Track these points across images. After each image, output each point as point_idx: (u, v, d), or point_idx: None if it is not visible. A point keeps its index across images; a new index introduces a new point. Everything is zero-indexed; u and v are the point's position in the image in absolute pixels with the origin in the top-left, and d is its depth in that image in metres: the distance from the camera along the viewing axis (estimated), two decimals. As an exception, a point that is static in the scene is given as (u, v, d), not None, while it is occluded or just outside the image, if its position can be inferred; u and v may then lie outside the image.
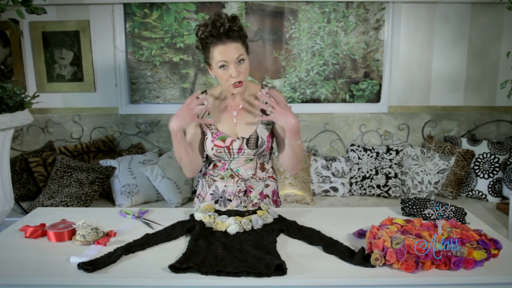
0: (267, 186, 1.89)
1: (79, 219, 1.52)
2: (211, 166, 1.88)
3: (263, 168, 1.86)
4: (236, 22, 1.64)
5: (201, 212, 1.59)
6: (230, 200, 1.83)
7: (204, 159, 1.91)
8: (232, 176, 1.83)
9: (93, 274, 1.25)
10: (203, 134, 1.82)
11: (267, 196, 1.89)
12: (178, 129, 1.61)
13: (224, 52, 1.62)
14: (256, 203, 1.82)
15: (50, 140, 3.58)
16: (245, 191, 1.83)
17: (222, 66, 1.65)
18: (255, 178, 1.84)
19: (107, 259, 1.30)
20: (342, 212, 1.85)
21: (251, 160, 1.81)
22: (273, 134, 1.87)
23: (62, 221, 1.59)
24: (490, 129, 3.63)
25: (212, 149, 1.77)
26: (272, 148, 1.88)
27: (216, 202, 1.86)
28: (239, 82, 1.66)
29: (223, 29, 1.61)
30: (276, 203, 1.94)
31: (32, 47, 3.48)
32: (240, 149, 1.77)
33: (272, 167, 1.93)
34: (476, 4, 3.43)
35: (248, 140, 1.77)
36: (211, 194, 1.87)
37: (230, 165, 1.81)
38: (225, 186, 1.84)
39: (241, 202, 1.83)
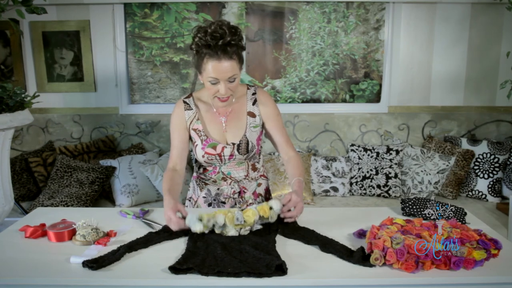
0: (259, 185, 1.88)
1: (79, 219, 1.53)
2: (201, 170, 1.85)
3: (254, 168, 1.85)
4: (236, 36, 1.56)
5: (199, 221, 1.49)
6: (224, 203, 1.82)
7: (194, 161, 1.90)
8: (224, 179, 1.81)
9: (93, 274, 1.25)
10: (191, 140, 1.79)
11: (260, 194, 1.88)
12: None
13: (218, 70, 1.55)
14: (251, 203, 1.82)
15: (50, 140, 3.58)
16: (239, 192, 1.82)
17: (212, 81, 1.60)
18: (247, 179, 1.83)
19: (111, 256, 1.31)
20: (342, 212, 1.85)
21: (241, 163, 1.80)
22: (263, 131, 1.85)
23: (62, 221, 1.59)
24: (490, 129, 3.63)
25: (203, 156, 1.74)
26: (261, 147, 1.87)
27: (210, 205, 1.84)
28: (226, 97, 1.63)
29: (222, 42, 1.52)
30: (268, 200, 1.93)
31: (32, 47, 3.48)
32: (231, 155, 1.75)
33: (263, 165, 1.92)
34: (476, 4, 3.43)
35: (238, 145, 1.74)
36: (204, 197, 1.85)
37: (221, 169, 1.79)
38: (218, 189, 1.82)
39: (235, 204, 1.82)
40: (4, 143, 2.48)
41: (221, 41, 1.52)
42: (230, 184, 1.81)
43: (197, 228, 1.45)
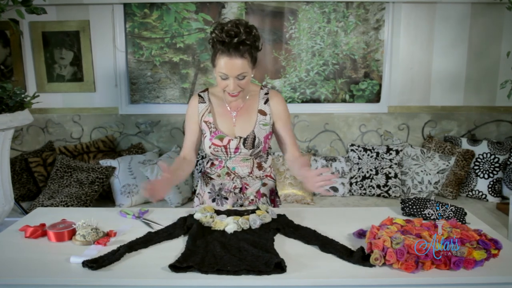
0: (264, 185, 1.89)
1: (79, 219, 1.53)
2: (208, 165, 1.90)
3: (260, 167, 1.87)
4: (251, 36, 1.62)
5: (201, 212, 1.60)
6: (227, 198, 1.86)
7: (202, 158, 1.93)
8: (228, 174, 1.85)
9: (93, 274, 1.25)
10: (201, 132, 1.85)
11: (265, 195, 1.89)
12: (165, 195, 1.61)
13: (227, 66, 1.62)
14: (253, 200, 1.85)
15: (50, 140, 3.58)
16: (241, 188, 1.85)
17: (223, 76, 1.66)
18: (251, 176, 1.86)
19: (111, 256, 1.31)
20: (342, 212, 1.86)
21: (247, 159, 1.83)
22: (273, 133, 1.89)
23: (62, 221, 1.59)
24: (490, 129, 3.63)
25: (210, 147, 1.80)
26: (270, 147, 1.89)
27: (214, 200, 1.88)
28: (236, 92, 1.68)
29: (237, 39, 1.59)
30: (274, 202, 1.95)
31: (32, 47, 3.48)
32: (237, 148, 1.78)
33: (270, 166, 1.94)
34: (476, 4, 3.43)
35: (245, 140, 1.78)
36: (209, 192, 1.90)
37: (226, 163, 1.83)
38: (221, 183, 1.86)
39: (237, 200, 1.85)
40: (4, 143, 2.48)
41: (235, 39, 1.59)
42: (232, 180, 1.84)
43: (197, 216, 1.57)
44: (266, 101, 1.83)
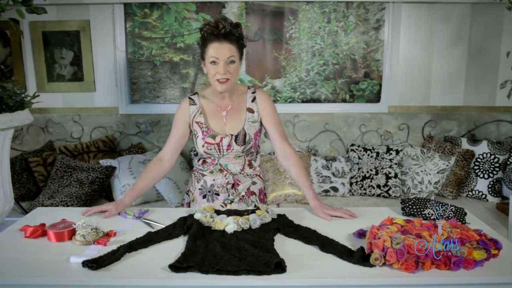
0: (254, 183, 1.95)
1: (79, 219, 1.53)
2: (200, 162, 1.95)
3: (250, 165, 1.93)
4: (237, 29, 1.77)
5: (201, 212, 1.60)
6: (218, 194, 1.90)
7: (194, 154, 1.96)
8: (221, 171, 1.90)
9: (93, 274, 1.25)
10: (191, 132, 1.92)
11: (254, 193, 1.94)
12: (116, 212, 1.75)
13: (218, 50, 1.74)
14: (243, 196, 1.89)
15: (50, 140, 3.58)
16: (233, 184, 1.90)
17: (213, 61, 1.76)
18: (242, 174, 1.91)
19: (111, 256, 1.31)
20: (342, 212, 1.85)
21: (239, 156, 1.89)
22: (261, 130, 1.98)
23: (62, 221, 1.59)
24: (490, 129, 3.63)
25: (203, 146, 1.86)
26: (259, 146, 1.96)
27: (204, 197, 1.91)
28: (225, 79, 1.76)
29: (224, 30, 1.73)
30: (263, 201, 2.00)
31: (32, 47, 3.48)
32: (229, 145, 1.85)
33: (260, 166, 2.00)
34: (476, 4, 3.43)
35: (236, 137, 1.85)
36: (200, 189, 1.93)
37: (219, 161, 1.89)
38: (213, 180, 1.90)
39: (229, 195, 1.89)
40: (4, 143, 2.47)
41: (223, 30, 1.74)
42: (225, 176, 1.89)
43: (197, 216, 1.58)
44: (253, 100, 1.91)
